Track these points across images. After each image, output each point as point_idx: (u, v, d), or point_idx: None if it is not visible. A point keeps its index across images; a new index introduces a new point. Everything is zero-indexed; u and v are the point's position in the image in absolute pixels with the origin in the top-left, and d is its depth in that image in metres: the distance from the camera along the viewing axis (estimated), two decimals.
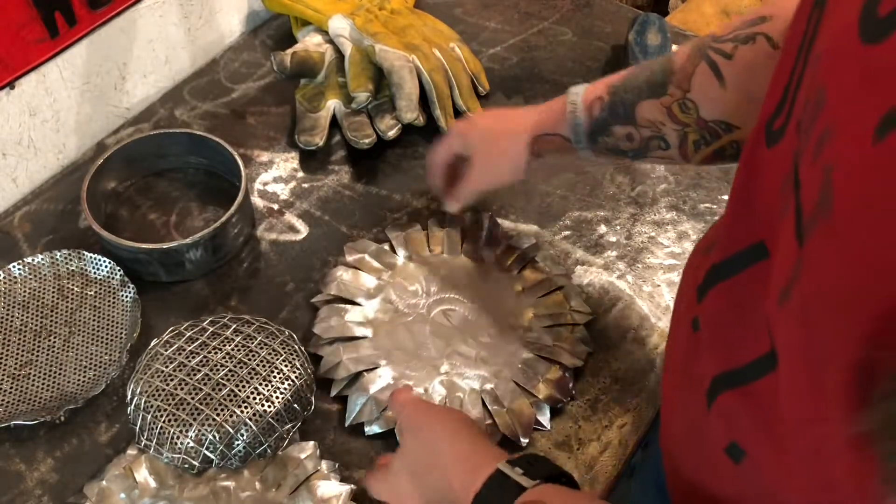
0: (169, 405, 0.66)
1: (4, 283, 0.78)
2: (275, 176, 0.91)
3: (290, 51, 0.94)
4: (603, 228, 0.87)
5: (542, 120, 0.70)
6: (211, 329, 0.71)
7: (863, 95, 0.29)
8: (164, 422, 0.66)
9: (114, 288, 0.79)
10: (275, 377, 0.68)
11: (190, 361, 0.69)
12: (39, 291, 0.79)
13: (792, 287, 0.34)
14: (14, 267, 0.79)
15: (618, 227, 0.87)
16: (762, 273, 0.39)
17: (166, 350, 0.70)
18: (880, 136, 0.27)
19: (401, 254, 0.82)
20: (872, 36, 0.29)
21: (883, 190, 0.27)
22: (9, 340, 0.76)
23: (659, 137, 0.63)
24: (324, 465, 0.67)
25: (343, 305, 0.77)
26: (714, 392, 0.45)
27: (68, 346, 0.75)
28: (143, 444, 0.67)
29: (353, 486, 0.66)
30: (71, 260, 0.80)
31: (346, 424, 0.71)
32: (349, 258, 0.81)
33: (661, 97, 0.61)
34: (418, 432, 0.58)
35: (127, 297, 0.78)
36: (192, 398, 0.67)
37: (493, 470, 0.51)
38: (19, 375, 0.73)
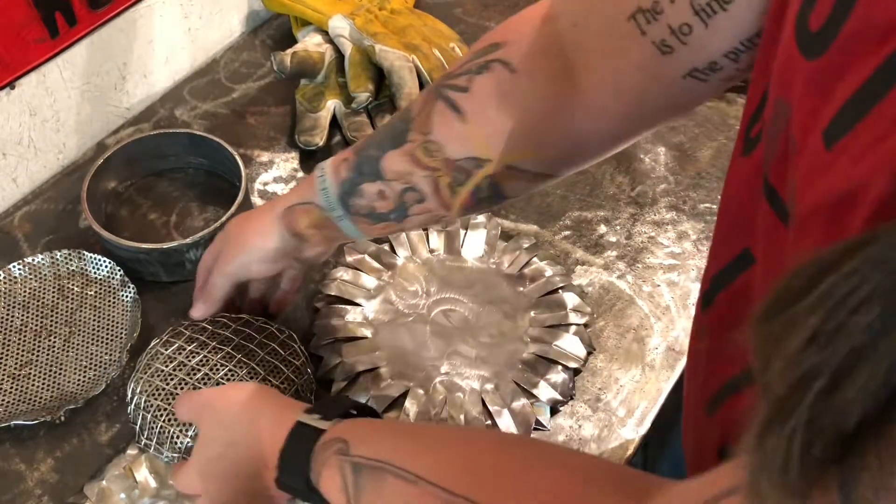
0: (169, 405, 0.66)
1: (4, 283, 0.78)
2: (275, 176, 0.91)
3: (290, 51, 0.94)
4: (603, 228, 0.87)
5: (292, 191, 0.67)
6: (211, 329, 0.71)
7: (813, 107, 0.31)
8: (164, 421, 0.66)
9: (114, 288, 0.79)
10: (275, 377, 0.68)
11: (190, 361, 0.69)
12: (39, 291, 0.79)
13: None
14: (14, 267, 0.79)
15: (618, 227, 0.87)
16: (751, 279, 0.40)
17: (166, 349, 0.70)
18: (827, 147, 0.29)
19: (401, 254, 0.82)
20: (810, 51, 0.31)
21: (827, 198, 0.29)
22: (9, 340, 0.76)
23: (410, 188, 0.60)
24: None
25: (343, 306, 0.77)
26: (716, 401, 0.46)
27: (68, 346, 0.75)
28: (143, 443, 0.67)
29: None
30: (71, 260, 0.80)
31: None
32: (349, 258, 0.81)
33: (402, 146, 0.59)
34: (211, 413, 0.57)
35: (127, 297, 0.78)
36: None
37: (292, 423, 0.51)
38: (19, 375, 0.73)
